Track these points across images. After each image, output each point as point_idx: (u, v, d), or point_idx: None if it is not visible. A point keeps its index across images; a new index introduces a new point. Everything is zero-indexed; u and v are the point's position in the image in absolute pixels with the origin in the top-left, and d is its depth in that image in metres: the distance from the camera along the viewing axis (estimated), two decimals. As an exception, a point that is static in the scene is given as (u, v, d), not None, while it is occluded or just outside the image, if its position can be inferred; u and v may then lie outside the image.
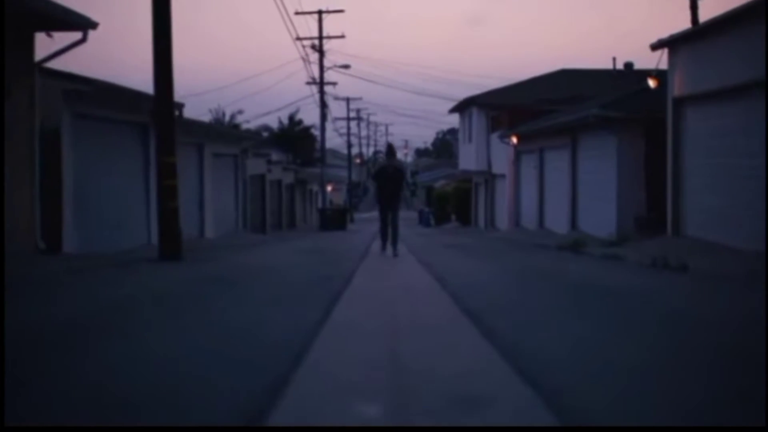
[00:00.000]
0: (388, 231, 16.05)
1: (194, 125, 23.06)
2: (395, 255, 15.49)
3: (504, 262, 14.65)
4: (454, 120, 55.58)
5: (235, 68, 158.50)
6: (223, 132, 26.89)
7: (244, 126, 77.26)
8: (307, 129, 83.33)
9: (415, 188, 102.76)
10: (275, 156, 61.83)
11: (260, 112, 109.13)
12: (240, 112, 74.01)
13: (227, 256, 16.73)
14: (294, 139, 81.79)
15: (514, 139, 34.13)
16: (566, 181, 25.18)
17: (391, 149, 16.85)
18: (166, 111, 14.15)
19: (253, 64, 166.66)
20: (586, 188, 23.36)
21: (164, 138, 14.05)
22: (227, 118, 72.76)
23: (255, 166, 35.13)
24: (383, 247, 16.11)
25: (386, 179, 15.77)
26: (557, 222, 26.81)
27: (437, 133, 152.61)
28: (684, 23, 19.69)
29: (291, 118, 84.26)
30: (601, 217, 21.28)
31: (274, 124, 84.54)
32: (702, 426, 3.57)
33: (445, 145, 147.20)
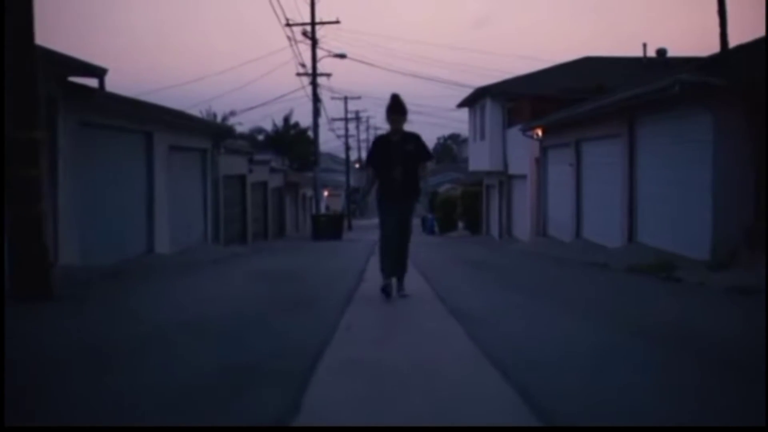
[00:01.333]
0: (394, 255, 9.42)
1: (134, 105, 17.36)
2: (401, 293, 9.37)
3: (617, 316, 8.01)
4: (460, 116, 50.05)
5: (216, 58, 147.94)
6: (181, 118, 21.21)
7: (238, 129, 71.98)
8: (303, 132, 77.75)
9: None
10: (272, 161, 56.73)
11: (246, 107, 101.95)
12: (232, 113, 68.17)
13: (137, 291, 11.11)
14: (289, 143, 76.32)
15: (539, 132, 28.63)
16: (619, 180, 19.58)
17: (397, 102, 9.39)
18: (17, 51, 8.54)
19: (236, 54, 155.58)
20: (651, 188, 17.74)
21: (18, 98, 8.46)
22: (219, 119, 67.41)
23: (232, 164, 29.53)
24: (387, 289, 9.28)
25: (390, 159, 9.37)
26: (603, 232, 21.21)
27: (438, 138, 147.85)
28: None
29: (286, 119, 78.93)
30: (680, 227, 15.68)
31: (268, 126, 79.19)
32: (702, 426, 3.56)
33: (446, 150, 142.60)
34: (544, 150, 28.81)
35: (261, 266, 16.26)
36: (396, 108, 9.46)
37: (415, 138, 9.65)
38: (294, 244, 33.19)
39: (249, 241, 31.93)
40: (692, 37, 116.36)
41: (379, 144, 9.87)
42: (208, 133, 24.94)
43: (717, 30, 15.20)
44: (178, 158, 21.97)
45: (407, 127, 9.58)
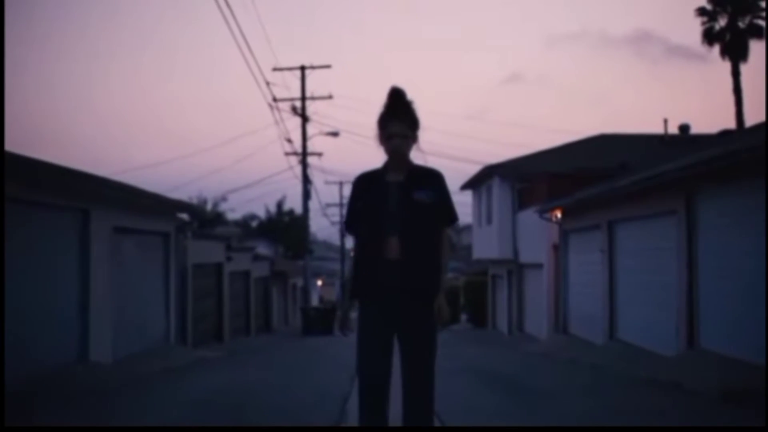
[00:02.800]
0: (383, 413, 4.99)
1: (49, 171, 13.38)
2: None
3: None
4: (459, 200, 46.40)
5: (193, 138, 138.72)
6: (130, 193, 17.37)
7: (230, 216, 68.45)
8: (298, 218, 74.31)
9: None
10: (257, 248, 53.04)
11: (228, 190, 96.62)
12: (224, 199, 64.64)
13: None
14: (283, 230, 72.63)
15: (559, 214, 24.85)
16: (673, 269, 15.68)
17: (398, 102, 5.08)
18: None
19: (217, 133, 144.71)
20: (720, 280, 13.81)
21: None
22: (209, 206, 64.01)
23: (205, 251, 25.67)
24: None
25: (383, 216, 5.03)
26: (649, 333, 17.21)
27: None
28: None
29: (279, 205, 75.46)
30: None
31: (261, 212, 75.65)
32: (702, 426, 2.62)
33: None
34: (564, 234, 24.97)
35: (216, 383, 12.20)
36: (396, 111, 5.05)
37: (433, 178, 5.16)
38: (278, 342, 29.09)
39: (226, 339, 27.84)
40: (704, 115, 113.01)
41: (364, 187, 5.21)
42: (170, 213, 21.06)
43: (732, 108, 11.79)
44: (129, 243, 18.08)
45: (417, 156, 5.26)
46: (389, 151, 5.11)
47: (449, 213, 5.22)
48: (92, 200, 15.40)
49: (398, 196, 5.05)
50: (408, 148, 5.13)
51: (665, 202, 15.92)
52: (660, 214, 16.47)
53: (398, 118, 5.05)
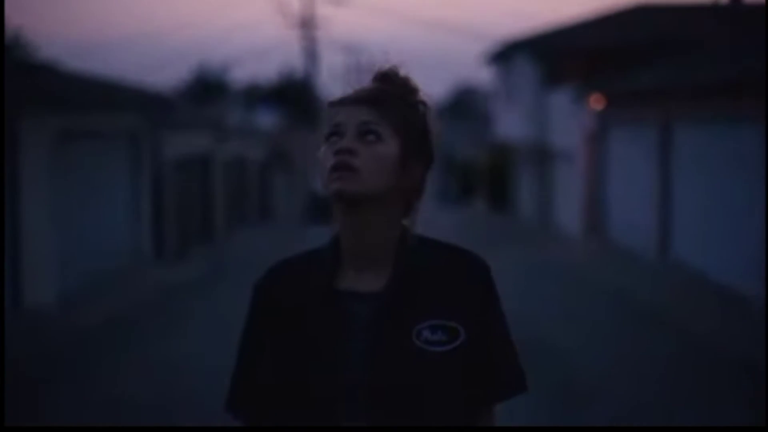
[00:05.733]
0: None
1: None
2: None
3: None
4: (478, 74, 42.66)
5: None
6: (75, 86, 13.96)
7: (234, 86, 64.68)
8: (304, 82, 70.07)
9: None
10: (266, 118, 49.71)
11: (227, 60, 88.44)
12: (228, 68, 60.71)
13: None
14: (288, 94, 68.58)
15: (597, 102, 21.22)
16: (757, 186, 12.38)
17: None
18: None
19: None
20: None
21: None
22: (212, 76, 60.54)
23: (188, 141, 22.20)
24: None
25: (338, 378, 1.72)
26: (713, 258, 14.06)
27: (453, 89, 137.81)
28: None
29: (287, 74, 71.36)
30: None
31: (268, 80, 71.61)
32: (702, 426, 4.05)
33: (460, 106, 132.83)
34: (604, 125, 21.50)
35: (161, 356, 9.17)
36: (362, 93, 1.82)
37: (462, 280, 1.77)
38: (278, 238, 26.00)
39: (217, 240, 24.80)
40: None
41: (282, 317, 1.77)
42: (137, 106, 17.63)
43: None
44: (82, 148, 14.82)
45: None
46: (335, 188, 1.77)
47: (505, 373, 1.84)
48: (22, 101, 12.06)
49: (372, 334, 1.75)
50: (384, 178, 1.77)
51: (745, 106, 12.46)
52: (737, 119, 13.03)
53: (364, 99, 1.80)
